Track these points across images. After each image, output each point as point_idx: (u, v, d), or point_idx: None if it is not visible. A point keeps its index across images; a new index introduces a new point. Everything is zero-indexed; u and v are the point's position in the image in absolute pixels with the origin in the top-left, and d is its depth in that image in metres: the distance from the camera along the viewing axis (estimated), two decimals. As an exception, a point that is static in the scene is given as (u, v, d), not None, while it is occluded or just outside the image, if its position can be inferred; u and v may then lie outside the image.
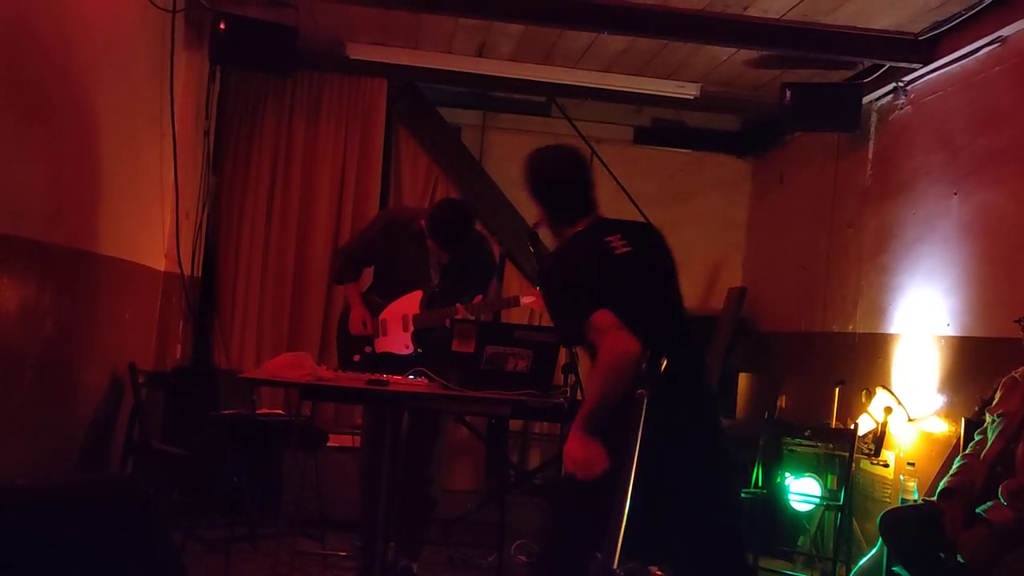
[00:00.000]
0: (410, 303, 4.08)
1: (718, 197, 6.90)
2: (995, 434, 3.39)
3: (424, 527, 4.33)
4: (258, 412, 4.99)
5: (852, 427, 4.72)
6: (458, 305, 3.92)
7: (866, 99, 5.28)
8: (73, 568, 2.33)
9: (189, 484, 4.78)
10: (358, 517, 4.17)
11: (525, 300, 4.01)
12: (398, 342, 4.08)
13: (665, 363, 2.39)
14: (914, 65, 4.90)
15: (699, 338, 2.85)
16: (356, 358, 4.11)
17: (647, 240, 2.78)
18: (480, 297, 3.98)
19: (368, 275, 4.39)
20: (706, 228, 6.84)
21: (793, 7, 4.57)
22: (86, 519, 2.46)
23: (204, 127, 5.50)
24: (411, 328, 4.06)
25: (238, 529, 4.43)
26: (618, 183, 6.43)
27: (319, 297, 5.92)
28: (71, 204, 3.86)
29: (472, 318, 3.94)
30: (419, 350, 4.05)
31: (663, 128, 6.89)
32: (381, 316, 4.13)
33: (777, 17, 4.72)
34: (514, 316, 6.19)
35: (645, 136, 6.88)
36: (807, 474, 4.79)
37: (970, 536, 3.21)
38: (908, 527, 3.56)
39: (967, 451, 3.55)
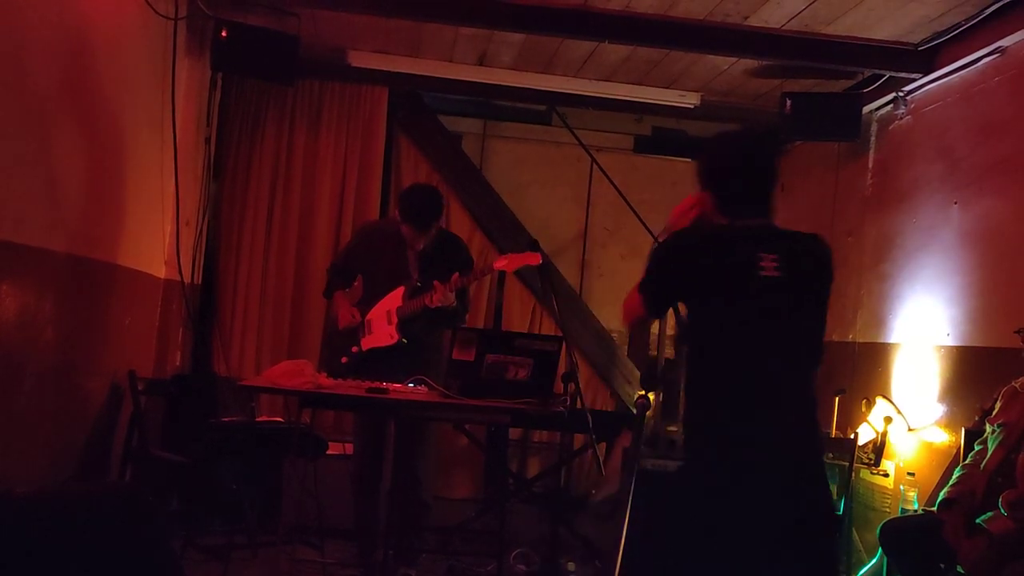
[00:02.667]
0: (393, 299, 4.15)
1: (718, 206, 6.89)
2: (995, 444, 3.39)
3: (420, 533, 4.33)
4: (257, 420, 4.98)
5: (852, 436, 4.71)
6: (436, 283, 3.95)
7: (866, 109, 5.29)
8: (72, 576, 2.33)
9: (188, 492, 4.77)
10: (354, 525, 4.17)
11: (498, 264, 4.01)
12: (383, 335, 4.14)
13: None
14: (914, 75, 4.91)
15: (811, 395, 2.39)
16: (344, 360, 4.16)
17: (805, 261, 2.38)
18: (457, 275, 4.00)
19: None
20: (706, 237, 6.84)
21: (793, 17, 4.59)
22: (85, 527, 2.46)
23: (205, 134, 5.50)
24: (395, 320, 4.12)
25: (237, 537, 4.42)
26: (618, 192, 6.46)
27: (319, 305, 5.89)
28: (72, 211, 3.86)
29: (452, 295, 3.97)
30: (403, 340, 4.09)
31: (663, 137, 6.90)
32: (367, 318, 4.20)
33: (778, 27, 4.73)
34: (515, 324, 6.19)
35: (645, 145, 6.89)
36: (807, 483, 4.77)
37: (971, 546, 3.20)
38: (908, 537, 3.56)
39: (967, 461, 3.54)
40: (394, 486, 3.86)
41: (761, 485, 2.22)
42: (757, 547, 2.22)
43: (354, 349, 4.18)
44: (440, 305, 3.95)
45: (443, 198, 4.20)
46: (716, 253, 2.36)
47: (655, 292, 2.42)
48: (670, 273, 2.40)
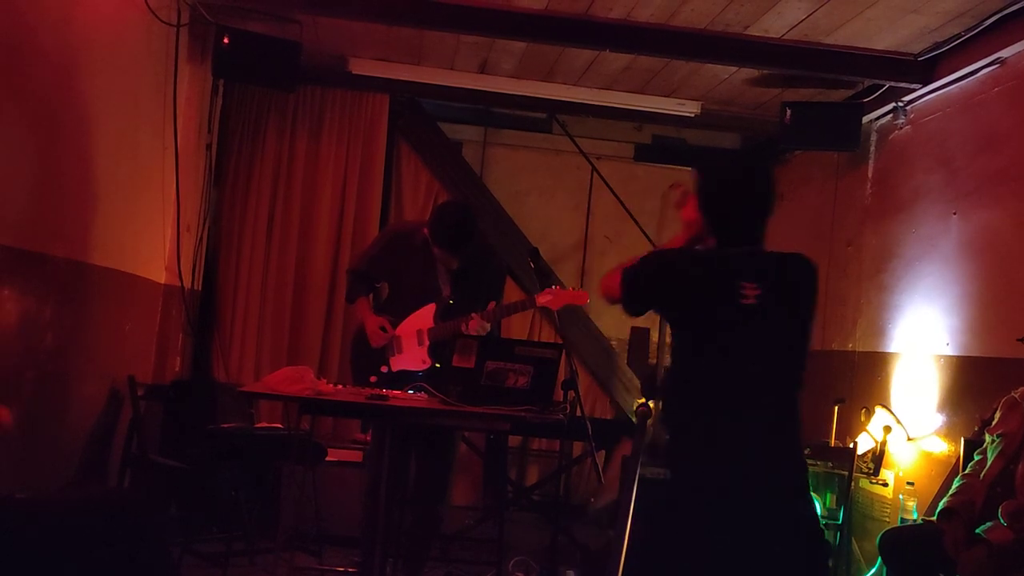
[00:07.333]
0: (423, 317, 3.97)
1: (718, 214, 6.91)
2: (995, 454, 3.39)
3: (424, 542, 4.30)
4: (257, 426, 4.98)
5: (851, 446, 4.71)
6: (473, 314, 3.81)
7: (866, 119, 5.31)
8: (71, 581, 2.33)
9: (187, 498, 4.77)
10: (358, 532, 4.13)
11: (541, 300, 3.83)
12: (414, 358, 3.96)
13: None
14: (913, 85, 4.93)
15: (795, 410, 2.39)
16: (372, 379, 4.00)
17: (787, 286, 2.37)
18: (494, 304, 3.87)
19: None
20: (706, 245, 6.85)
21: (794, 27, 4.60)
22: (84, 532, 2.46)
23: (206, 140, 5.52)
24: (426, 342, 3.95)
25: (236, 544, 4.41)
26: (618, 200, 6.47)
27: (319, 311, 5.91)
28: (73, 216, 3.87)
29: (488, 325, 3.87)
30: (436, 364, 3.91)
31: (663, 145, 6.91)
32: (396, 332, 4.00)
33: (778, 37, 4.75)
34: (514, 331, 6.19)
35: (645, 153, 6.91)
36: (806, 493, 4.77)
37: (970, 556, 3.20)
38: (908, 547, 3.56)
39: (967, 471, 3.54)
40: (393, 497, 3.83)
41: (741, 502, 2.26)
42: (746, 551, 2.24)
43: (383, 368, 3.99)
44: (476, 334, 3.84)
45: (475, 218, 3.97)
46: (699, 277, 2.37)
47: (634, 293, 2.46)
48: (653, 285, 2.44)
